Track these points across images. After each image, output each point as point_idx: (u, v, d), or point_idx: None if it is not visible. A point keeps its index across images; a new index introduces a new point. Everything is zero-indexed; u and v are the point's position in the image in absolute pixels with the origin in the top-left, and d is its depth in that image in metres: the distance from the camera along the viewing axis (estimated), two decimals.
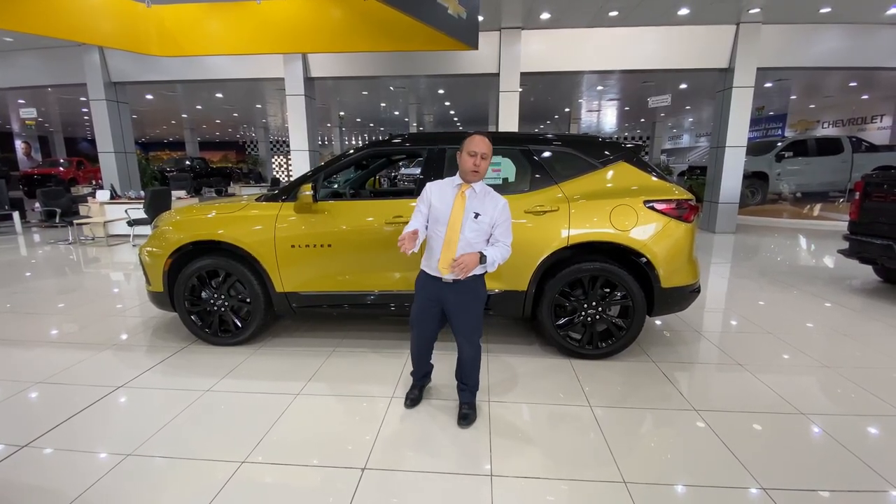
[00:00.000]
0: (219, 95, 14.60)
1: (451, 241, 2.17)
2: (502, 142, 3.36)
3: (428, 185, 2.33)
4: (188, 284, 3.27)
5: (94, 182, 17.06)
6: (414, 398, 2.57)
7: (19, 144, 23.56)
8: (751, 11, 7.44)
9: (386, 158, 4.45)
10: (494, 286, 3.08)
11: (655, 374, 2.94)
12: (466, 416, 2.39)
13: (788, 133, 18.59)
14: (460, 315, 2.28)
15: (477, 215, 2.19)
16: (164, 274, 3.29)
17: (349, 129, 24.38)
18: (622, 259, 3.04)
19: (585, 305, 3.05)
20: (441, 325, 2.42)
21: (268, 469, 2.04)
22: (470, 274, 2.17)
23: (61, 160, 19.52)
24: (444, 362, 2.82)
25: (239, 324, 3.35)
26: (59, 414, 2.48)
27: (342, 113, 18.55)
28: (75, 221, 8.08)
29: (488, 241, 2.25)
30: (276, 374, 2.98)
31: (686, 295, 3.13)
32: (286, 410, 2.52)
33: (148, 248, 3.38)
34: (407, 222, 2.97)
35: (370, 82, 11.78)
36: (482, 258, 2.14)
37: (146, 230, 7.72)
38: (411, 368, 2.62)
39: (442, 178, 2.63)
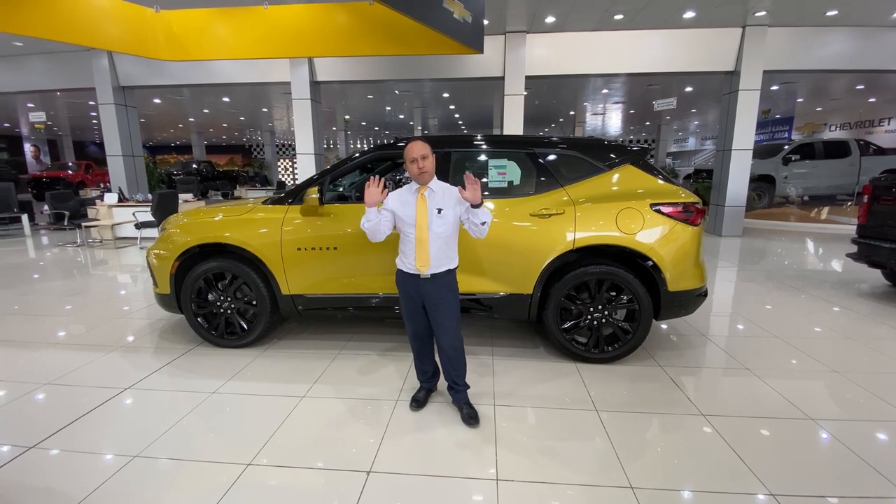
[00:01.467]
0: (225, 99, 14.71)
1: (422, 240, 2.30)
2: (507, 145, 3.37)
3: (389, 195, 2.42)
4: (195, 287, 3.29)
5: (102, 185, 17.23)
6: (419, 401, 2.58)
7: (28, 148, 23.83)
8: (757, 14, 7.42)
9: (391, 162, 4.46)
10: (500, 289, 3.08)
11: (662, 379, 2.92)
12: (470, 415, 2.42)
13: (795, 136, 18.47)
14: (440, 307, 2.36)
15: (440, 210, 2.31)
16: (172, 276, 3.31)
17: (354, 132, 24.48)
18: (628, 262, 3.02)
19: (591, 309, 3.03)
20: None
21: (273, 472, 2.04)
22: (444, 268, 2.34)
23: (70, 163, 19.73)
24: None
25: (245, 326, 3.36)
26: (66, 415, 2.49)
27: (347, 116, 18.63)
28: (83, 224, 8.16)
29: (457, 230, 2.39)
30: (282, 376, 2.98)
31: (693, 298, 3.11)
32: (291, 413, 2.52)
33: (155, 251, 3.41)
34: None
35: (376, 86, 11.84)
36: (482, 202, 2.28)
37: (153, 233, 7.78)
38: (415, 379, 2.64)
39: (447, 181, 2.66)
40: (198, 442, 2.27)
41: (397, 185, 15.20)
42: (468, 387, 2.54)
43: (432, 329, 2.48)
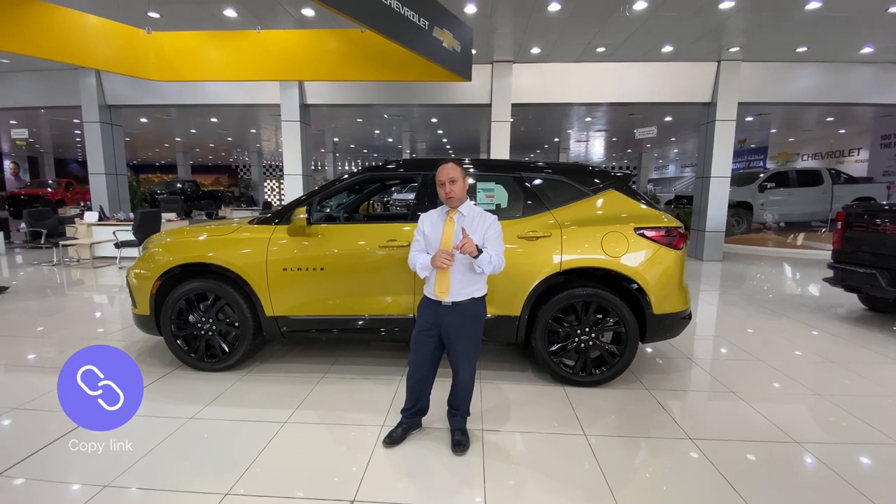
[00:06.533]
0: (213, 120, 14.72)
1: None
2: (495, 169, 3.42)
3: (421, 216, 2.38)
4: (175, 308, 3.21)
5: (82, 203, 16.90)
6: (395, 438, 2.39)
7: (7, 164, 23.36)
8: (731, 50, 7.80)
9: (380, 183, 4.49)
10: (488, 311, 3.06)
11: (649, 402, 2.92)
12: (460, 442, 2.34)
13: (770, 165, 19.20)
14: (459, 338, 2.26)
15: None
16: (152, 297, 3.23)
17: (343, 154, 24.64)
18: (614, 285, 3.05)
19: (578, 331, 3.04)
20: (440, 353, 2.36)
21: (251, 502, 1.95)
22: (468, 297, 2.24)
23: (50, 181, 19.35)
24: (436, 388, 2.76)
25: (226, 348, 3.28)
26: (34, 442, 2.36)
27: (336, 139, 18.78)
28: (61, 243, 7.94)
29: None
30: (263, 401, 2.89)
31: (677, 321, 3.14)
32: (273, 439, 2.44)
33: (136, 270, 3.33)
34: (400, 246, 2.99)
35: (365, 110, 12.00)
36: (479, 250, 2.13)
37: (133, 252, 7.61)
38: (402, 404, 2.47)
39: (434, 203, 2.66)
40: (173, 470, 2.17)
41: (385, 206, 15.15)
42: (469, 414, 2.46)
43: (436, 363, 2.36)
